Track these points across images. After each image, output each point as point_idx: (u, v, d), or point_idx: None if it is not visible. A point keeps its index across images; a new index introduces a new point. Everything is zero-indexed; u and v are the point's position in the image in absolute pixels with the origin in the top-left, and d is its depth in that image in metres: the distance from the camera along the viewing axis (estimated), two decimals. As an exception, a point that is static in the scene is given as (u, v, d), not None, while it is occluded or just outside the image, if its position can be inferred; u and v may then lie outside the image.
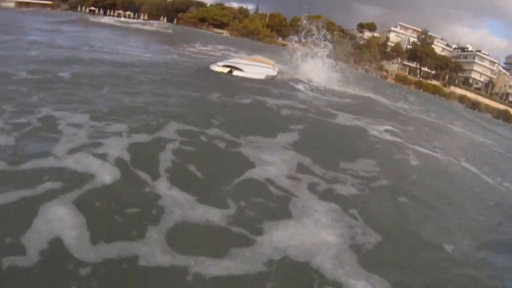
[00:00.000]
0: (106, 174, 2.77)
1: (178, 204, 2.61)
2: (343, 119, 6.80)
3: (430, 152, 6.01)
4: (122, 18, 30.57)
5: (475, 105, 54.63)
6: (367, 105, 10.41)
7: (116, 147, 3.27)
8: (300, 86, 10.40)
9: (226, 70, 10.79)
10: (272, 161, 3.71)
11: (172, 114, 4.55)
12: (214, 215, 2.57)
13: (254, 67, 11.37)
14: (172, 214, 2.48)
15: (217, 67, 10.91)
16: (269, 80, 10.72)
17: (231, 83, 9.14)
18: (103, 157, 3.04)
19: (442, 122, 12.74)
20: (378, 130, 6.53)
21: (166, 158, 3.30)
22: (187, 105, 5.39)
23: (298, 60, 14.80)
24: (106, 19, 27.50)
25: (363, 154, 4.67)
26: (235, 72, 10.71)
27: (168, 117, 4.38)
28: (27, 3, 62.62)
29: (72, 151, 3.05)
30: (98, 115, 4.07)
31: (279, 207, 2.86)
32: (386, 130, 6.68)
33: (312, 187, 3.30)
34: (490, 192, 4.95)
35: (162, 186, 2.80)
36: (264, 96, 7.36)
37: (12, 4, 62.57)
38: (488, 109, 55.96)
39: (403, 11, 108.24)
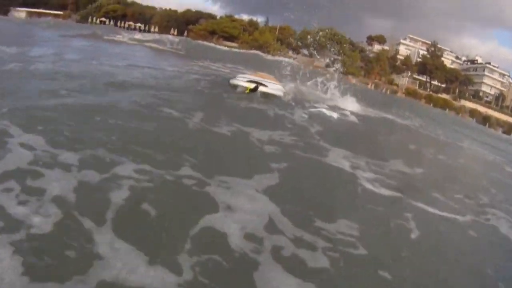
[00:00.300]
0: (45, 217, 2.65)
1: (120, 258, 2.42)
2: (335, 156, 6.02)
3: (438, 213, 4.69)
4: (137, 36, 30.67)
5: (485, 120, 54.54)
6: (368, 133, 9.76)
7: (60, 184, 3.09)
8: (299, 111, 9.63)
9: (252, 85, 10.27)
10: (240, 208, 3.42)
11: (136, 145, 4.29)
12: (157, 276, 2.37)
13: (273, 84, 11.03)
14: (111, 270, 2.32)
15: (241, 82, 10.45)
16: (272, 100, 10.18)
17: (218, 102, 8.69)
18: (43, 195, 2.91)
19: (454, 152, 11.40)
20: (374, 176, 5.51)
21: (116, 200, 3.07)
22: (158, 133, 5.06)
23: (305, 76, 14.44)
24: (120, 37, 27.89)
25: (346, 211, 4.03)
26: (261, 88, 10.28)
27: (130, 149, 4.11)
28: (38, 13, 63.13)
29: (13, 181, 2.98)
30: (53, 138, 3.93)
31: (235, 276, 2.61)
32: (384, 177, 5.60)
33: (277, 253, 2.94)
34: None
35: (107, 236, 2.61)
36: (253, 122, 6.82)
37: (23, 14, 63.59)
38: (499, 123, 55.85)
39: (412, 23, 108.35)
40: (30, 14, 63.50)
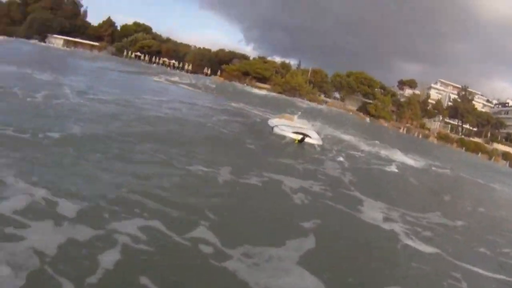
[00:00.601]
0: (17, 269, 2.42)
1: None
2: (370, 209, 5.75)
3: (486, 273, 4.23)
4: (174, 79, 32.67)
5: (519, 163, 54.79)
6: (404, 182, 9.53)
7: (40, 239, 2.76)
8: (332, 157, 9.65)
9: (299, 137, 10.71)
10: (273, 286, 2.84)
11: (146, 195, 3.93)
12: None
13: (315, 134, 11.66)
14: None
15: (288, 133, 10.84)
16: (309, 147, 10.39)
17: (250, 150, 8.50)
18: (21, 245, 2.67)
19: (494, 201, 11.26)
20: (412, 229, 5.18)
21: (105, 264, 2.62)
22: (175, 185, 4.65)
23: (336, 120, 14.92)
24: (157, 77, 30.24)
25: (391, 276, 3.71)
26: (307, 139, 10.81)
27: (141, 202, 3.71)
28: (75, 43, 64.67)
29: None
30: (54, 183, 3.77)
31: None
32: (423, 230, 5.23)
33: None
34: None
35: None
36: (284, 171, 6.78)
37: (60, 42, 64.51)
38: (533, 165, 55.87)
39: (442, 67, 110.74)
40: (67, 42, 64.86)
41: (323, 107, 34.86)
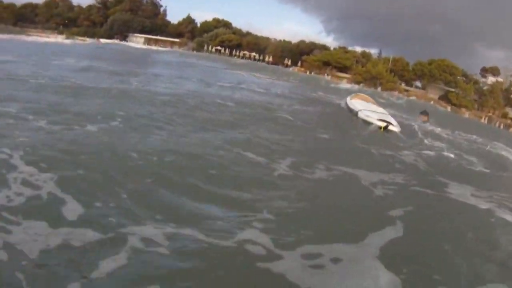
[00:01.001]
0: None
1: None
2: (459, 193, 5.42)
3: None
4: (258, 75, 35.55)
5: None
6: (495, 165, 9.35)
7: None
8: (413, 145, 9.50)
9: (383, 124, 10.65)
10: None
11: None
12: None
13: (395, 121, 11.56)
14: None
15: (374, 120, 10.77)
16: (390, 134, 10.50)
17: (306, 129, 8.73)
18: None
19: None
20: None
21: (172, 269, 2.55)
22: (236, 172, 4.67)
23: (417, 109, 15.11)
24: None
25: (500, 265, 3.32)
26: (390, 127, 10.83)
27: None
28: (156, 40, 68.21)
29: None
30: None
31: None
32: None
33: None
34: None
35: None
36: (359, 160, 6.43)
37: (141, 40, 67.76)
38: None
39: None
40: (148, 40, 68.18)
41: (402, 101, 34.79)
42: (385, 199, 4.68)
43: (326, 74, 58.55)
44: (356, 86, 45.55)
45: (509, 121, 56.42)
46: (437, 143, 10.85)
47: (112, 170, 4.26)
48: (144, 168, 4.60)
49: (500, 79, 62.87)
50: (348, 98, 14.37)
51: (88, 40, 58.99)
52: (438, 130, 13.71)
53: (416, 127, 13.84)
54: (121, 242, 2.83)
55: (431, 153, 9.23)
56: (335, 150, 7.55)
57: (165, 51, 55.78)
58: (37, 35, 57.85)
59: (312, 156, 6.39)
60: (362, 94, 15.83)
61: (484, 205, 4.77)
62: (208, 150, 5.82)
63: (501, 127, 52.52)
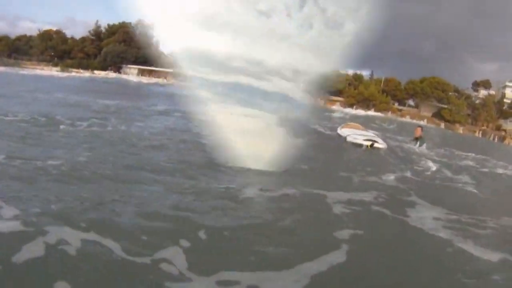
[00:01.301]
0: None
1: None
2: (421, 216, 5.15)
3: None
4: None
5: None
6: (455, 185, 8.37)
7: None
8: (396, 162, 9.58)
9: (369, 143, 12.06)
10: None
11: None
12: None
13: (380, 139, 12.94)
14: None
15: (361, 141, 12.05)
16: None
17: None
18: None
19: None
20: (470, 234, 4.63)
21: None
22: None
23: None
24: None
25: None
26: (375, 144, 12.10)
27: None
28: (149, 71, 66.21)
29: None
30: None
31: None
32: (490, 235, 4.79)
33: None
34: None
35: None
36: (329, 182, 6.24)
37: (135, 71, 66.77)
38: None
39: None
40: (141, 71, 67.13)
41: (394, 126, 34.10)
42: (340, 219, 4.51)
43: (319, 99, 58.55)
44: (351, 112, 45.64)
45: (503, 133, 56.89)
46: (423, 161, 10.91)
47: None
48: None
49: (492, 92, 63.68)
50: (339, 128, 15.38)
51: (85, 73, 59.43)
52: (426, 148, 13.74)
53: (405, 146, 14.25)
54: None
55: (414, 170, 9.28)
56: (311, 171, 7.31)
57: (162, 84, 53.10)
58: (32, 67, 58.18)
59: (281, 176, 6.13)
60: (352, 123, 16.93)
61: (443, 232, 4.58)
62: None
63: (495, 140, 53.05)
